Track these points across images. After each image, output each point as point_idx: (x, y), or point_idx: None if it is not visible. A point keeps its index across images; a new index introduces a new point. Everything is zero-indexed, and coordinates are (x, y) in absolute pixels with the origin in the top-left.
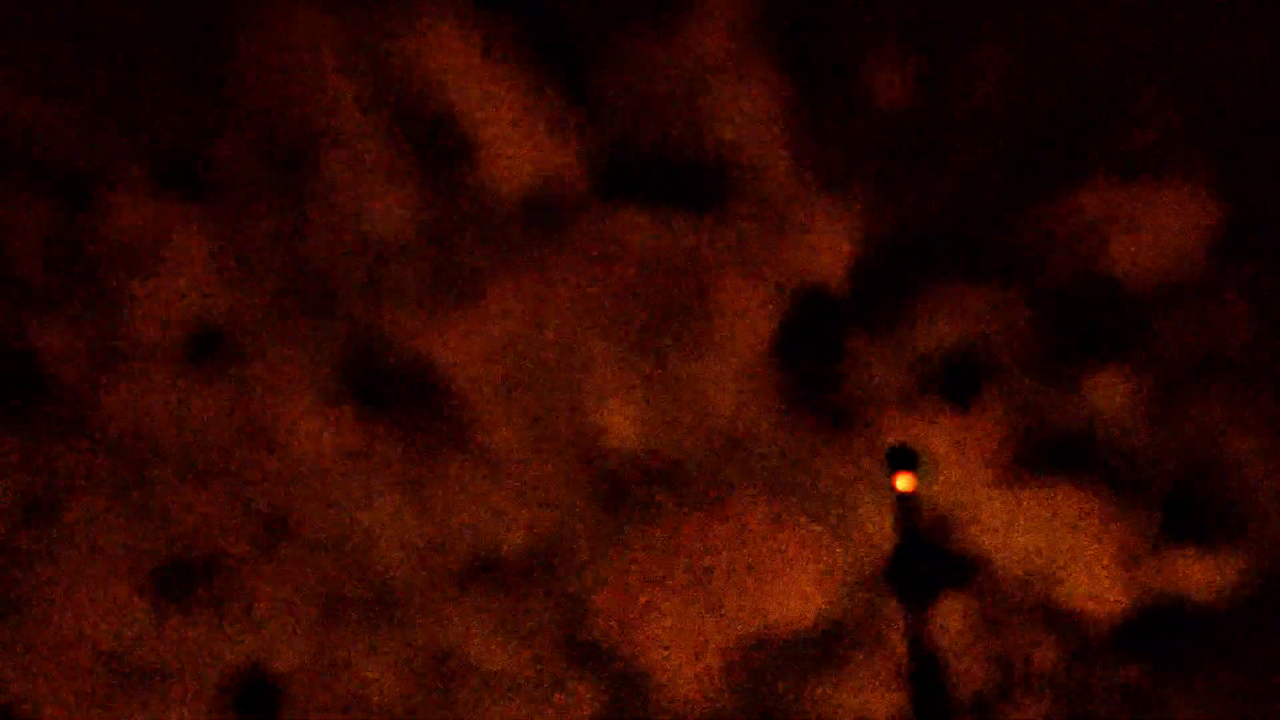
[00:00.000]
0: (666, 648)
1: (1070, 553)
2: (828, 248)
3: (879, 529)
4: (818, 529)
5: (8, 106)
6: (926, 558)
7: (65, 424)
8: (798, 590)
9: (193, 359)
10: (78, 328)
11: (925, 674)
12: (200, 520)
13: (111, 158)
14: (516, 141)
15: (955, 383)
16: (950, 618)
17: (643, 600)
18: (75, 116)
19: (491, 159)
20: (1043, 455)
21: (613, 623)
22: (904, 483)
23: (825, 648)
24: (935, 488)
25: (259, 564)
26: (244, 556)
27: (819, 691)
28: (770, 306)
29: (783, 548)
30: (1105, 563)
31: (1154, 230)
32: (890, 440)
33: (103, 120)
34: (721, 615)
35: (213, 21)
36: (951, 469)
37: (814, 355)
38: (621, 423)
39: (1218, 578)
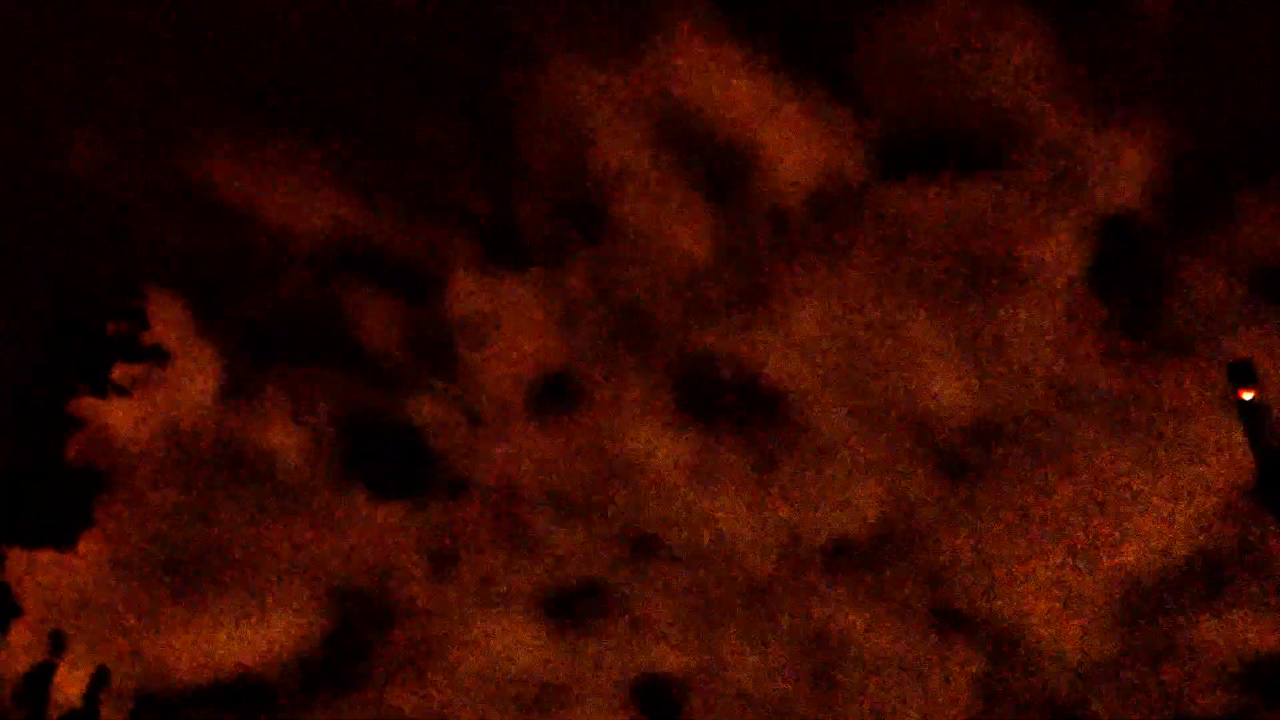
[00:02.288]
0: (1036, 603)
1: None
2: (1127, 176)
3: (1235, 449)
4: (1170, 459)
5: (347, 216)
6: None
7: (452, 485)
8: (1161, 525)
9: (545, 408)
10: (446, 399)
11: None
12: (577, 550)
13: (440, 242)
14: (793, 142)
15: None
16: None
17: (1003, 559)
18: (401, 212)
19: (773, 165)
20: None
21: (977, 586)
22: (1251, 397)
23: (1203, 579)
24: None
25: (636, 581)
26: (622, 576)
27: (1204, 624)
28: (1078, 246)
29: (1137, 484)
30: None
31: None
32: (1229, 356)
33: (425, 210)
34: (1087, 562)
35: (497, 93)
36: None
37: (1133, 285)
38: (950, 390)
39: None
